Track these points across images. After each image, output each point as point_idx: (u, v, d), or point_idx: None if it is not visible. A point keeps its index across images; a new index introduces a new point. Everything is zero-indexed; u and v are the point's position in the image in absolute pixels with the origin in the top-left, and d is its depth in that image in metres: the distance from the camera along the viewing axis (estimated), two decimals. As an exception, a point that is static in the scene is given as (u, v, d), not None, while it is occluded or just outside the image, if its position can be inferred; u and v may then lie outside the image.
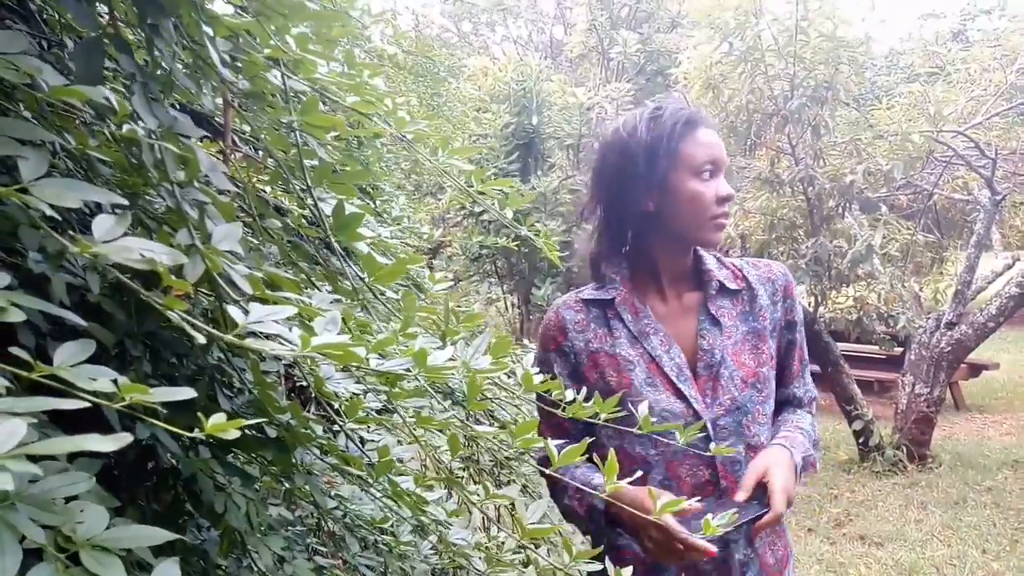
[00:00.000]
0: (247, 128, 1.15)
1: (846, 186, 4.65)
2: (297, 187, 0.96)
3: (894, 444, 5.16)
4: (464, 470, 1.79)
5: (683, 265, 1.25)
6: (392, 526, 1.17)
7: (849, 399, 5.23)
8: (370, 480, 1.04)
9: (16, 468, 0.38)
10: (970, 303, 5.21)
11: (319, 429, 1.00)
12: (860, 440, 5.26)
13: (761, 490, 1.10)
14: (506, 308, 8.18)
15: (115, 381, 0.47)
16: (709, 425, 1.17)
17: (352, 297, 1.00)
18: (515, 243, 3.51)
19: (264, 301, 0.65)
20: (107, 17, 0.70)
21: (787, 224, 5.03)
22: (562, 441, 0.88)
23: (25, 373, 0.46)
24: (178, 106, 1.00)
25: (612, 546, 1.23)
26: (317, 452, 1.03)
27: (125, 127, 0.59)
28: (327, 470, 1.08)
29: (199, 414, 0.50)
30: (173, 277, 0.51)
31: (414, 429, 0.91)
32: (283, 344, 0.53)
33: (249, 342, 0.51)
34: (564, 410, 0.90)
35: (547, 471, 1.02)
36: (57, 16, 0.90)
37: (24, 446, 0.38)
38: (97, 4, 0.78)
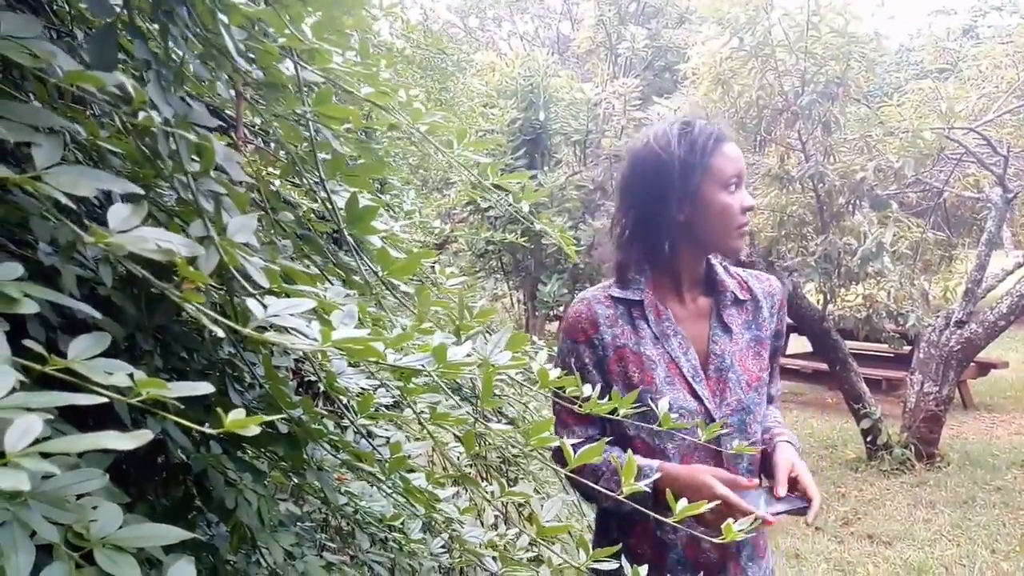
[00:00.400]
0: (258, 120, 1.14)
1: (856, 183, 4.61)
2: (310, 179, 0.95)
3: (902, 443, 5.13)
4: (471, 467, 1.78)
5: (700, 272, 1.34)
6: (402, 523, 1.16)
7: (857, 397, 5.20)
8: (381, 477, 1.03)
9: (32, 467, 0.36)
10: (980, 301, 5.16)
11: (330, 425, 0.99)
12: (868, 439, 5.23)
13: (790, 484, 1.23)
14: (512, 304, 8.16)
15: (131, 375, 0.45)
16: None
17: (365, 291, 0.99)
18: (522, 239, 3.49)
19: (277, 295, 0.64)
20: (120, 4, 0.69)
21: (796, 221, 5.00)
22: (579, 440, 0.89)
23: (38, 367, 0.45)
24: (188, 98, 0.98)
25: (626, 547, 1.23)
26: (328, 448, 1.02)
27: (141, 115, 0.57)
28: (337, 466, 1.07)
29: (213, 409, 0.49)
30: (191, 269, 0.50)
31: (428, 425, 0.89)
32: (303, 338, 0.51)
33: (269, 336, 0.49)
34: (580, 407, 0.90)
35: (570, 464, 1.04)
36: (67, 7, 0.88)
37: (39, 443, 0.37)
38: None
